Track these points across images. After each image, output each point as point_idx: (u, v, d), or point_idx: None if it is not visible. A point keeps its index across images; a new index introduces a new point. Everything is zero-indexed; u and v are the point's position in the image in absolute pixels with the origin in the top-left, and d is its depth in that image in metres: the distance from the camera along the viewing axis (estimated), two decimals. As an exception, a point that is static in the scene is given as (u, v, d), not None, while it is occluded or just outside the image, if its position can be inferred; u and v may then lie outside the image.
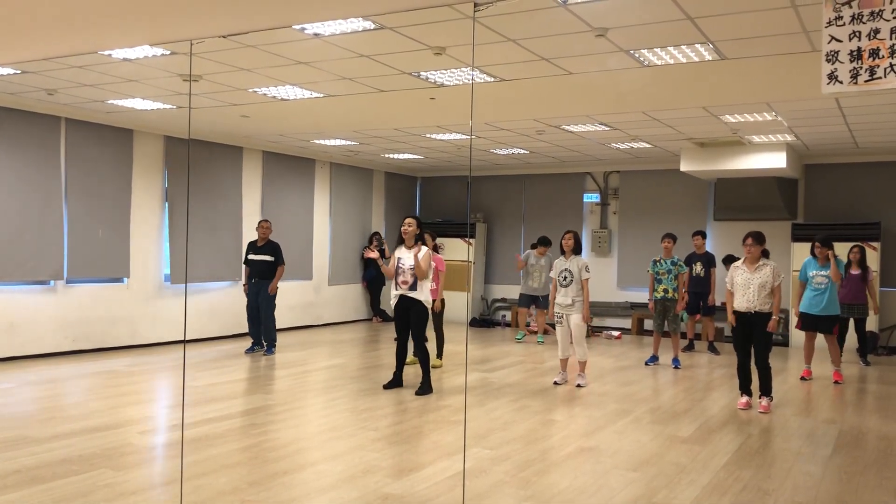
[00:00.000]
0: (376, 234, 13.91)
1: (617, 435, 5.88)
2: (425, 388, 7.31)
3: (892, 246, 11.15)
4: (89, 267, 9.56)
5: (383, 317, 14.00)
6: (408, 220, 7.48)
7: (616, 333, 12.33)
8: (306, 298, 12.76)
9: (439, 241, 9.68)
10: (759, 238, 6.95)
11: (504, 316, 14.13)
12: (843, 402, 7.46)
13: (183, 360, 9.04)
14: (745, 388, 7.06)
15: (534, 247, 11.68)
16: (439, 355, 8.91)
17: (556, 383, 7.99)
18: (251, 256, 9.67)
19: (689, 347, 10.74)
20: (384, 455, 5.18)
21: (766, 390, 6.95)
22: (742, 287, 6.90)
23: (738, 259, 7.24)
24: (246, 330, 9.91)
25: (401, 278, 7.36)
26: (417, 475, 4.71)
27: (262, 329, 9.66)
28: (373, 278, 13.88)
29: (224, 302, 11.22)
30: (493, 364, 9.31)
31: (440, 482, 4.58)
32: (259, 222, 9.83)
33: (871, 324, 10.61)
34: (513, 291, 14.09)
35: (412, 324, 7.42)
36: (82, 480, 4.49)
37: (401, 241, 7.51)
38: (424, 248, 7.38)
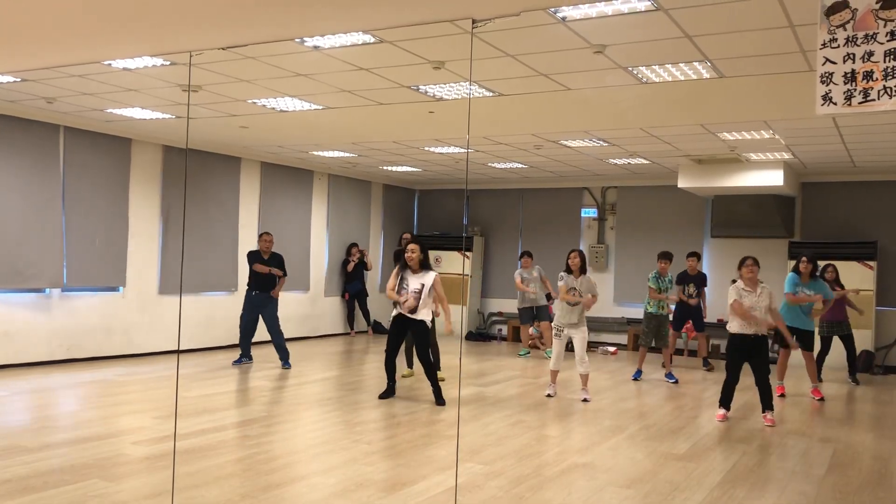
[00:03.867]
0: (354, 244, 13.65)
1: (611, 451, 5.87)
2: (439, 399, 7.37)
3: (889, 265, 11.17)
4: (86, 275, 9.54)
5: (376, 329, 13.96)
6: (411, 247, 7.44)
7: (612, 349, 12.32)
8: (302, 310, 12.74)
9: (436, 254, 9.68)
10: (757, 261, 7.06)
11: (500, 330, 14.11)
12: (837, 421, 7.45)
13: (176, 371, 9.01)
14: (725, 403, 7.16)
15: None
16: (437, 368, 8.87)
17: (548, 395, 8.03)
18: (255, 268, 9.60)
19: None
20: (377, 469, 5.16)
21: (769, 405, 7.01)
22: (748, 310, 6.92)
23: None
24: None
25: (402, 298, 7.37)
26: (410, 489, 4.69)
27: (273, 342, 9.58)
28: (358, 291, 13.66)
29: (219, 312, 11.19)
30: (488, 378, 9.29)
31: (433, 497, 4.56)
32: (261, 235, 9.78)
33: (867, 342, 10.62)
34: (509, 305, 14.09)
35: (415, 343, 7.53)
36: (73, 490, 4.47)
37: (403, 263, 7.51)
38: (433, 274, 7.41)
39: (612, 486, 4.94)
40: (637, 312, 12.83)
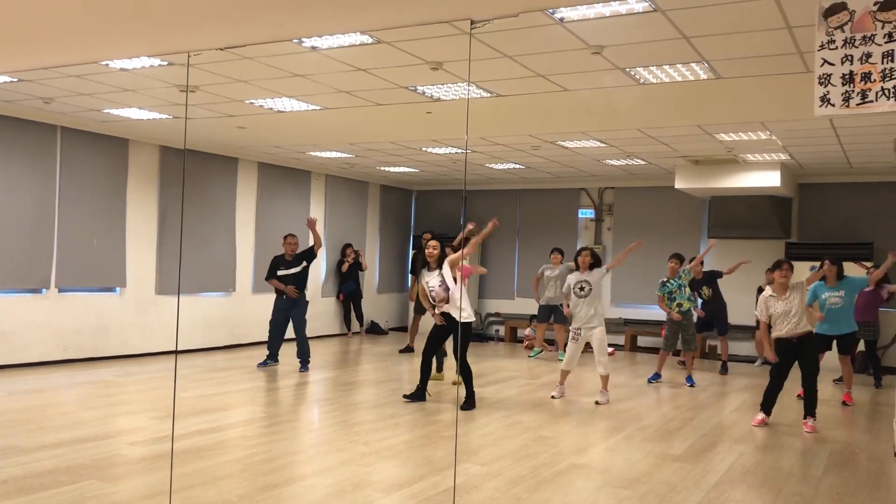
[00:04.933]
0: (348, 245, 13.55)
1: (608, 452, 5.87)
2: (470, 403, 7.30)
3: (885, 266, 11.18)
4: (83, 275, 9.53)
5: (371, 330, 13.93)
6: (432, 243, 7.40)
7: (609, 350, 12.29)
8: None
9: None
10: (792, 266, 6.95)
11: (497, 331, 14.11)
12: (834, 421, 7.46)
13: (174, 371, 9.00)
14: (764, 408, 7.04)
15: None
16: (439, 369, 8.84)
17: (553, 397, 8.01)
18: (281, 272, 9.44)
19: (684, 363, 10.73)
20: (375, 469, 5.15)
21: (811, 411, 6.92)
22: (783, 315, 6.83)
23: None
24: (239, 342, 9.86)
25: (437, 300, 7.36)
26: (408, 490, 4.69)
27: (297, 346, 9.44)
28: (352, 292, 13.59)
29: (217, 313, 11.18)
30: (486, 379, 9.28)
31: (431, 497, 4.56)
32: (285, 237, 9.61)
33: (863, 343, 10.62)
34: (506, 306, 14.10)
35: (457, 344, 7.36)
36: (70, 491, 4.46)
37: (424, 264, 7.48)
38: (445, 263, 7.37)
39: (609, 486, 4.94)
40: (634, 313, 12.87)
